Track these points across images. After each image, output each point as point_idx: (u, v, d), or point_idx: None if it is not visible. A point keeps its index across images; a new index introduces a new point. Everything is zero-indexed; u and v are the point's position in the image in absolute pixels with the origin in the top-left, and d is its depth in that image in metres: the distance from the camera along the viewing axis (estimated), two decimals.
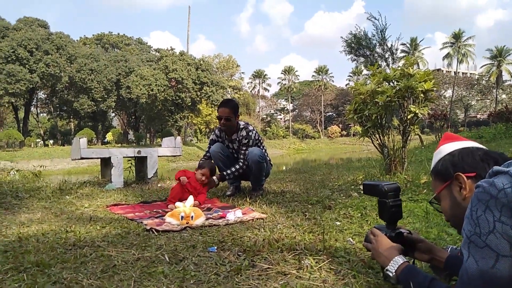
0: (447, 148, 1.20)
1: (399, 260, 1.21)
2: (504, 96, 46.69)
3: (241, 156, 3.52)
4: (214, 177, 3.43)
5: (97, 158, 5.09)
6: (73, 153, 5.00)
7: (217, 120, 3.62)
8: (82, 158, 4.74)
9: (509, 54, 46.21)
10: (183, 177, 3.22)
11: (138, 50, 48.38)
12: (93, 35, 49.30)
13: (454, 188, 1.13)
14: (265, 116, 62.87)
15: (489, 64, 47.30)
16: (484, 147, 1.18)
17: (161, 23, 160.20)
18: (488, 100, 46.91)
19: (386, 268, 1.23)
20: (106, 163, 5.12)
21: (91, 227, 2.35)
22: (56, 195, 3.78)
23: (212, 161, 3.59)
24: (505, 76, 46.81)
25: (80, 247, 1.88)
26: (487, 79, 46.41)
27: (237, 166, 3.49)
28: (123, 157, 4.97)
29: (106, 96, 39.95)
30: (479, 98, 47.31)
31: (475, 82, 46.80)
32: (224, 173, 3.48)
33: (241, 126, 3.58)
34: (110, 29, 49.81)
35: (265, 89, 63.73)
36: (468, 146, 1.17)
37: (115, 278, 1.44)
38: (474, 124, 38.87)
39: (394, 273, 1.19)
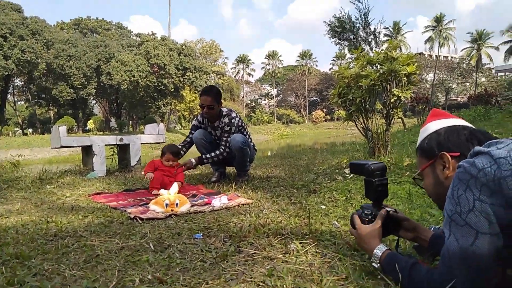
0: (434, 125, 1.20)
1: (380, 249, 1.22)
2: (483, 79, 47.59)
3: (222, 143, 3.48)
4: (193, 159, 3.42)
5: (78, 146, 4.98)
6: (53, 142, 4.87)
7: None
8: (62, 147, 4.62)
9: (489, 38, 47.02)
10: (149, 174, 3.24)
11: (118, 35, 47.06)
12: (70, 19, 47.63)
13: (437, 166, 1.14)
14: (249, 102, 62.60)
15: (470, 47, 48.05)
16: (470, 125, 1.18)
17: (140, 7, 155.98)
18: (468, 83, 47.80)
19: (371, 260, 1.25)
20: (87, 151, 5.01)
21: (73, 216, 2.29)
22: (36, 185, 3.69)
23: (178, 146, 3.55)
24: (485, 60, 47.75)
25: (62, 237, 1.83)
26: (467, 62, 47.18)
27: (217, 152, 3.46)
28: (105, 145, 4.87)
29: (86, 83, 38.91)
30: (459, 82, 48.13)
31: (456, 66, 47.55)
32: (203, 156, 3.45)
33: (224, 113, 3.54)
34: (87, 14, 47.92)
35: (249, 74, 63.35)
36: (454, 124, 1.17)
37: (99, 268, 1.41)
38: (454, 107, 39.68)
39: (378, 264, 1.22)
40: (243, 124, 3.64)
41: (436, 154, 1.13)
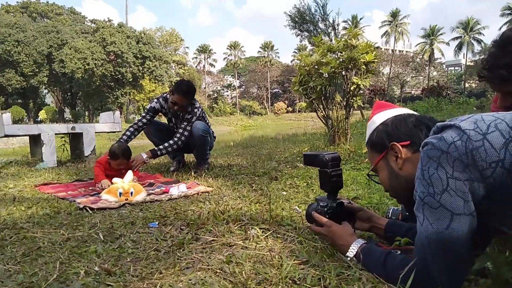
0: (379, 117, 1.18)
1: (356, 244, 1.18)
2: (435, 73, 50.01)
3: (180, 131, 3.24)
4: (144, 154, 3.06)
5: (25, 135, 4.63)
6: None
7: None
8: (6, 136, 4.26)
9: (440, 34, 49.42)
10: (104, 182, 2.67)
11: (71, 20, 44.53)
12: (17, 2, 44.36)
13: (390, 158, 1.11)
14: (211, 93, 61.83)
15: (423, 42, 50.24)
16: (415, 112, 1.17)
17: None
18: (421, 77, 49.99)
19: (346, 255, 1.19)
20: (35, 141, 4.67)
21: (14, 208, 2.10)
22: None
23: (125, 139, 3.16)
24: (437, 54, 50.18)
25: None
26: (421, 57, 49.33)
27: (171, 142, 3.19)
28: (56, 134, 4.57)
29: (37, 70, 36.58)
30: (413, 75, 50.23)
31: (410, 60, 49.57)
32: (156, 149, 3.15)
33: None
34: None
35: (211, 64, 62.47)
36: (400, 113, 1.16)
37: (39, 261, 1.28)
38: (409, 99, 41.45)
39: (354, 259, 1.16)
40: (203, 115, 3.49)
41: (387, 145, 1.11)
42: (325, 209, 1.35)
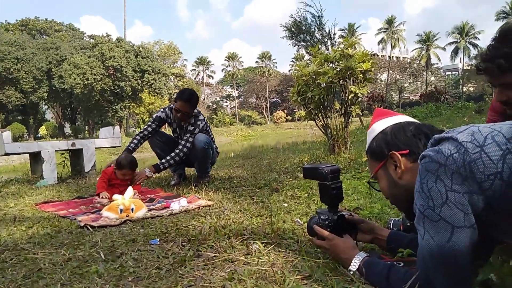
0: (379, 126, 1.18)
1: (358, 258, 1.17)
2: (432, 78, 50.21)
3: (182, 142, 3.25)
4: (147, 169, 3.10)
5: (25, 153, 4.63)
6: None
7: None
8: (6, 154, 4.27)
9: (436, 39, 49.76)
10: (104, 194, 2.76)
11: (70, 36, 44.92)
12: (16, 20, 44.88)
13: (389, 167, 1.11)
14: (211, 104, 62.02)
15: (419, 48, 50.56)
16: (415, 120, 1.18)
17: (91, 7, 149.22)
18: (419, 82, 50.24)
19: (348, 269, 1.18)
20: (36, 158, 4.67)
21: (15, 228, 2.09)
22: None
23: (129, 151, 3.22)
24: (433, 59, 50.44)
25: None
26: (418, 62, 49.58)
27: (173, 154, 3.19)
28: (56, 150, 4.57)
29: (36, 86, 36.76)
30: (411, 81, 50.47)
31: (407, 66, 49.82)
32: (159, 163, 3.16)
33: (192, 114, 3.34)
34: (33, 14, 45.31)
35: (210, 76, 62.81)
36: (399, 121, 1.16)
37: (40, 283, 1.27)
38: (407, 105, 41.57)
39: (357, 273, 1.15)
40: (207, 128, 3.48)
41: (386, 154, 1.11)
42: (326, 222, 1.35)
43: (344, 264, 1.21)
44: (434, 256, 0.88)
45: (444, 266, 0.88)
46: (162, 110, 3.48)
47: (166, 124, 3.57)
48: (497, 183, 0.82)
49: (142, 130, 3.44)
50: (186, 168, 3.84)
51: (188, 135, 3.28)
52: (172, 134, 3.62)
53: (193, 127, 3.30)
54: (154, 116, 3.46)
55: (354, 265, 1.16)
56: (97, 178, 4.35)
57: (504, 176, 0.82)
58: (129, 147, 3.25)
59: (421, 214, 0.91)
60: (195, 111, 3.39)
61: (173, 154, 3.21)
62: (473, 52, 46.49)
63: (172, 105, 3.42)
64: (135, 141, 3.30)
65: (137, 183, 2.99)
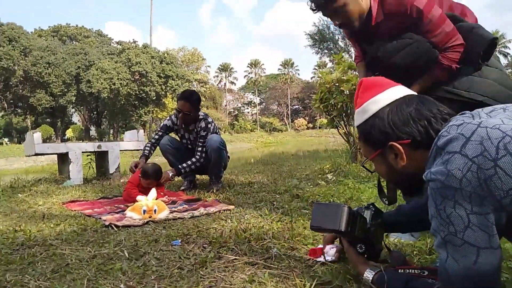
0: (371, 106, 1.06)
1: (370, 273, 1.13)
2: None
3: (199, 149, 3.30)
4: (170, 172, 3.18)
5: (53, 153, 4.80)
6: (27, 149, 4.68)
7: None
8: (36, 154, 4.45)
9: None
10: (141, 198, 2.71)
11: (98, 42, 46.41)
12: (49, 27, 46.69)
13: (389, 155, 1.03)
14: (232, 110, 62.58)
15: None
16: (411, 93, 1.07)
17: (115, 13, 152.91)
18: None
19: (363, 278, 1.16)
20: (63, 159, 4.84)
21: (43, 225, 2.17)
22: (7, 193, 3.52)
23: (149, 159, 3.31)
24: None
25: (30, 246, 1.72)
26: None
27: (194, 160, 3.25)
28: (82, 152, 4.72)
29: (65, 90, 38.07)
30: None
31: None
32: (180, 166, 3.22)
33: (201, 117, 3.39)
34: (59, 19, 47.03)
35: (232, 82, 63.47)
36: (394, 99, 1.04)
37: (67, 278, 1.32)
38: None
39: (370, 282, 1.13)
40: (217, 131, 3.50)
41: (384, 144, 1.02)
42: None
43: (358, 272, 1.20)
44: (460, 279, 0.85)
45: (471, 287, 0.85)
46: (168, 118, 3.56)
47: (175, 132, 3.60)
48: None
49: (151, 139, 3.52)
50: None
51: (202, 140, 3.31)
52: (181, 141, 3.63)
53: (205, 132, 3.33)
54: (161, 125, 3.54)
55: (366, 281, 1.13)
56: (121, 180, 4.46)
57: None
58: (145, 153, 3.33)
59: (443, 240, 0.87)
60: (202, 113, 3.43)
61: (194, 159, 3.27)
62: (503, 61, 45.11)
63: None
64: (147, 148, 3.37)
65: (162, 184, 3.10)
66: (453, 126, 0.90)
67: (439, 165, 0.87)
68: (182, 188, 3.50)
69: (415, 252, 1.48)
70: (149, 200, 2.38)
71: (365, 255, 1.25)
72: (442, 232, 0.86)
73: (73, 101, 40.03)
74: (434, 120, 0.98)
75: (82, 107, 44.12)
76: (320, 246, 1.49)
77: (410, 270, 1.14)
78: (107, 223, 2.14)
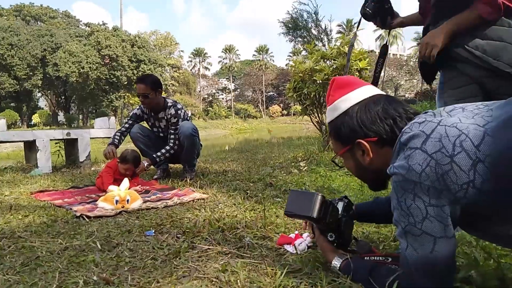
0: (342, 104, 1.11)
1: (337, 261, 1.19)
2: None
3: (172, 136, 3.29)
4: (145, 161, 3.18)
5: (19, 141, 4.63)
6: None
7: None
8: (1, 142, 4.28)
9: None
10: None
11: (65, 24, 44.35)
12: (10, 5, 44.19)
13: (357, 152, 1.09)
14: (206, 96, 61.83)
15: (416, 46, 50.77)
16: (380, 92, 1.12)
17: None
18: (415, 80, 50.48)
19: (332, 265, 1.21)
20: (30, 146, 4.67)
21: (11, 216, 2.11)
22: None
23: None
24: None
25: None
26: (414, 60, 49.77)
27: (167, 147, 3.26)
28: (50, 139, 4.58)
29: (30, 73, 36.37)
30: (407, 78, 50.69)
31: (404, 63, 50.02)
32: (155, 155, 3.22)
33: (169, 104, 3.35)
34: (28, 0, 44.50)
35: (206, 68, 62.53)
36: (363, 98, 1.09)
37: (38, 271, 1.30)
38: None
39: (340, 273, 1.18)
40: (188, 118, 3.47)
41: (351, 141, 1.07)
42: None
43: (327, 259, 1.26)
44: (418, 267, 0.91)
45: (429, 275, 0.91)
46: (138, 107, 3.51)
47: (146, 121, 3.54)
48: (470, 191, 0.84)
49: (120, 127, 3.46)
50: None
51: (173, 127, 3.30)
52: (151, 129, 3.58)
53: (176, 119, 3.31)
54: (130, 114, 3.50)
55: (334, 268, 1.19)
56: (92, 168, 4.37)
57: (476, 184, 0.84)
58: (114, 142, 3.26)
59: (403, 230, 0.93)
60: (171, 100, 3.40)
61: (167, 147, 3.26)
62: None
63: None
64: (116, 137, 3.30)
65: (137, 174, 3.09)
66: (415, 123, 0.96)
67: (401, 160, 0.93)
68: (155, 177, 3.47)
69: (380, 239, 1.56)
70: (122, 190, 2.36)
71: (335, 244, 1.30)
72: (402, 223, 0.93)
73: (39, 85, 38.36)
74: (400, 119, 1.03)
75: (49, 92, 42.36)
76: (292, 235, 1.54)
77: (375, 258, 1.21)
78: (78, 214, 2.11)
